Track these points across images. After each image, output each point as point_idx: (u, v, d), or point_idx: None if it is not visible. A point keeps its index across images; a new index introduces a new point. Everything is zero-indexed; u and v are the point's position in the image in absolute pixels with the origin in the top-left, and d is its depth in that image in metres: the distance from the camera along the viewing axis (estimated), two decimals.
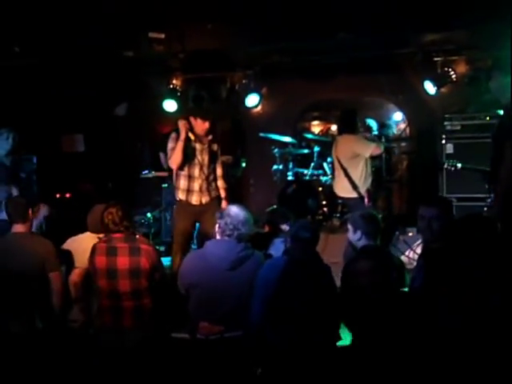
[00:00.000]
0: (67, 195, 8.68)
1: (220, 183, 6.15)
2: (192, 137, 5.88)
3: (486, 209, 6.05)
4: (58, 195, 8.62)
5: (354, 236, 4.40)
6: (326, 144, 8.66)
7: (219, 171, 6.17)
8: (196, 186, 5.95)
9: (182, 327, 4.28)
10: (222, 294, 3.99)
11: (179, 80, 9.07)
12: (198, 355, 4.00)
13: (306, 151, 8.73)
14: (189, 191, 5.94)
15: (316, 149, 8.50)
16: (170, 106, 8.88)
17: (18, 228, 4.67)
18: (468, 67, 8.05)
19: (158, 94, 8.90)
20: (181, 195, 5.99)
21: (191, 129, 5.88)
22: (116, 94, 9.02)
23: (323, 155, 8.47)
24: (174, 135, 5.95)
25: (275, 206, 7.29)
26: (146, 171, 9.12)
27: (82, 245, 4.81)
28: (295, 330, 3.80)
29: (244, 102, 8.96)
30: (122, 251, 4.39)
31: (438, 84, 8.05)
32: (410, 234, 7.12)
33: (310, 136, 9.08)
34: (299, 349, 3.74)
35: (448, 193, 7.35)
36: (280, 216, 5.04)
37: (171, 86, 8.97)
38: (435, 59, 8.04)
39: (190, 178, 5.94)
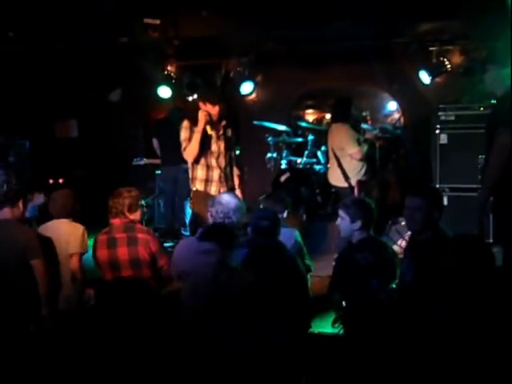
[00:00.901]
0: (60, 181, 8.67)
1: (234, 171, 5.90)
2: (209, 130, 5.59)
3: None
4: (51, 181, 8.61)
5: (351, 225, 4.22)
6: (321, 132, 8.67)
7: (233, 158, 5.93)
8: (215, 175, 5.65)
9: None
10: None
11: (174, 67, 9.02)
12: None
13: (300, 139, 8.73)
14: (207, 181, 5.63)
15: (310, 137, 8.51)
16: (164, 92, 8.84)
17: (5, 213, 4.62)
18: (463, 57, 8.04)
19: (153, 81, 8.86)
20: (198, 185, 5.64)
21: (211, 122, 5.59)
22: (110, 79, 8.98)
23: (317, 144, 8.48)
24: (186, 124, 5.63)
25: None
26: (139, 158, 9.09)
27: (53, 231, 4.75)
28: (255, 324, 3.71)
29: (238, 90, 8.93)
30: (120, 242, 4.42)
31: (432, 74, 8.04)
32: (403, 224, 7.12)
33: (304, 124, 9.09)
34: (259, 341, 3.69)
35: (441, 183, 7.36)
36: (276, 203, 4.88)
37: (166, 73, 8.93)
38: (430, 49, 8.04)
39: (209, 167, 5.64)
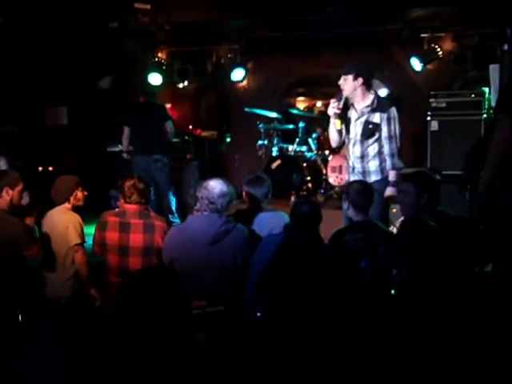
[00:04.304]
0: (50, 168, 8.60)
1: (388, 163, 4.94)
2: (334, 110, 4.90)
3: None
4: (40, 168, 8.55)
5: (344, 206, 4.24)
6: (312, 120, 8.65)
7: (386, 148, 4.92)
8: (348, 165, 5.11)
9: None
10: (203, 269, 3.97)
11: (164, 53, 8.99)
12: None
13: (291, 127, 8.70)
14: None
15: (301, 124, 8.47)
16: (154, 79, 8.79)
17: None
18: (454, 44, 8.05)
19: (143, 67, 8.79)
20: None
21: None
22: (100, 66, 8.90)
23: (308, 131, 8.45)
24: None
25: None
26: (113, 144, 8.51)
27: (57, 220, 4.69)
28: (283, 310, 3.78)
29: (229, 77, 8.90)
30: (135, 228, 4.35)
31: (424, 61, 8.05)
32: (394, 211, 7.12)
33: (295, 112, 9.05)
34: (287, 328, 3.73)
35: (432, 169, 7.39)
36: (259, 187, 4.75)
37: (156, 59, 8.88)
38: (422, 35, 8.03)
39: (345, 156, 5.14)
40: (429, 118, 7.51)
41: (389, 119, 4.87)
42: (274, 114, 8.58)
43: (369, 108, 4.94)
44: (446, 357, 3.32)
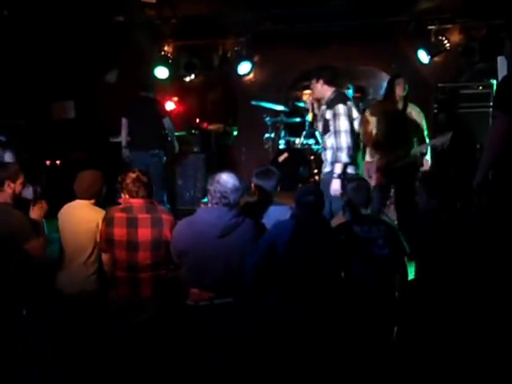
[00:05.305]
0: (57, 162, 8.62)
1: (334, 156, 5.35)
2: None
3: None
4: (48, 162, 8.56)
5: None
6: None
7: (333, 142, 5.33)
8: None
9: None
10: (212, 261, 3.97)
11: (171, 47, 9.00)
12: (188, 321, 4.01)
13: (297, 120, 8.69)
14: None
15: (308, 117, 8.46)
16: (161, 73, 8.79)
17: None
18: (462, 36, 8.03)
19: (150, 61, 8.79)
20: None
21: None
22: (107, 60, 8.90)
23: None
24: None
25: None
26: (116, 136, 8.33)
27: (84, 216, 4.65)
28: (300, 297, 3.85)
29: (236, 70, 8.89)
30: (142, 222, 4.31)
31: (431, 53, 8.02)
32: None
33: (302, 105, 9.03)
34: (302, 316, 3.77)
35: (438, 164, 7.37)
36: (269, 180, 4.75)
37: (162, 53, 8.88)
38: (429, 28, 8.01)
39: None
40: (436, 111, 7.48)
41: (334, 115, 5.27)
42: (280, 107, 8.57)
43: (325, 106, 5.42)
44: (447, 356, 3.33)
